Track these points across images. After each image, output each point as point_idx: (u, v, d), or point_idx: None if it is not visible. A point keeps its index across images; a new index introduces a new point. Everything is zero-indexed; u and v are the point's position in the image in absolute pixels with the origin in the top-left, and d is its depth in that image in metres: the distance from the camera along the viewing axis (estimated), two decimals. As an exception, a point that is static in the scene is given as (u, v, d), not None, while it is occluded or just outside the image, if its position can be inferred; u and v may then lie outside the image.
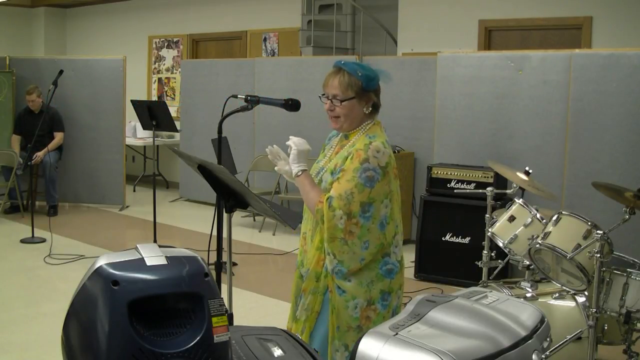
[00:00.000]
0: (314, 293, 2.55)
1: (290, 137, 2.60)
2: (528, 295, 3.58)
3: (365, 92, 2.52)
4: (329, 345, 2.54)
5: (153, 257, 1.45)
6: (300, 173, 2.55)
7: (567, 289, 3.39)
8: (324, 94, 2.57)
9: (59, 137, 7.67)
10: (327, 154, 2.66)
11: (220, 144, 2.69)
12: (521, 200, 3.78)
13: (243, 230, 7.21)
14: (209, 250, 3.76)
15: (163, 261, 1.44)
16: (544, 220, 3.53)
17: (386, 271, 2.54)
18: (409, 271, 5.60)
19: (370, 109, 2.56)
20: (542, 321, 1.83)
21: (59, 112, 7.70)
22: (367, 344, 1.64)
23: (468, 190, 5.28)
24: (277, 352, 1.71)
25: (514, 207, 3.78)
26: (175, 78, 10.04)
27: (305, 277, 2.58)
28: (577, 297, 3.46)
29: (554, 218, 3.37)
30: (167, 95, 10.18)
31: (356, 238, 2.45)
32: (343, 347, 2.52)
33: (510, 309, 1.83)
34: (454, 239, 5.39)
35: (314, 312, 2.57)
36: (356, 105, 2.53)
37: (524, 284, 3.69)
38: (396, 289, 2.59)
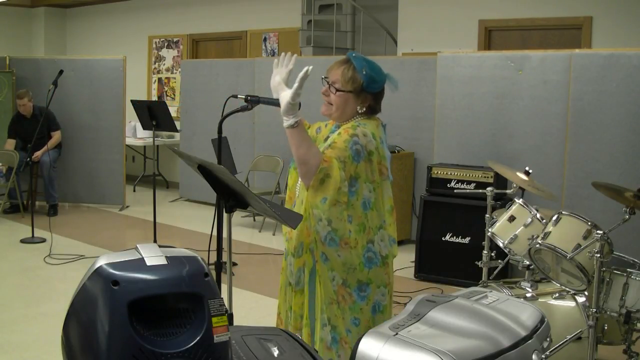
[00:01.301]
0: (309, 265, 2.53)
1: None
2: (528, 295, 3.58)
3: (363, 91, 2.51)
4: (317, 321, 2.50)
5: (153, 257, 1.45)
6: (296, 125, 2.38)
7: (567, 289, 3.39)
8: (326, 77, 2.57)
9: (56, 135, 7.66)
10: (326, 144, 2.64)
11: (220, 144, 2.69)
12: (521, 200, 3.78)
13: (243, 230, 7.22)
14: (209, 250, 3.77)
15: (163, 261, 1.44)
16: (544, 220, 3.53)
17: (367, 259, 2.49)
18: (409, 271, 5.61)
19: (365, 109, 2.55)
20: (542, 321, 1.84)
21: (51, 111, 7.67)
22: (367, 344, 1.64)
23: (468, 190, 5.28)
24: (277, 352, 1.71)
25: (514, 207, 3.77)
26: (175, 78, 10.04)
27: (301, 252, 2.53)
28: (577, 297, 3.46)
29: (554, 218, 3.37)
30: (167, 95, 10.18)
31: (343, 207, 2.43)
32: (327, 320, 2.49)
33: (510, 309, 1.83)
34: (454, 239, 5.39)
35: None
36: (351, 100, 2.52)
37: (524, 284, 3.69)
38: (377, 283, 2.53)
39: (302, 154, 2.38)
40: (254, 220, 7.71)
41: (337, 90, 2.51)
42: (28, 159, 7.03)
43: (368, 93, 2.53)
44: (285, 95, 2.40)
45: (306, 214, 2.46)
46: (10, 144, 7.66)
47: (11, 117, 7.83)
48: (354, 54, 2.56)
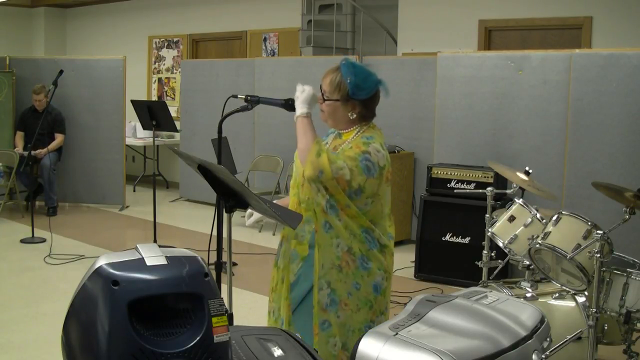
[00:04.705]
0: (295, 238, 2.59)
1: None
2: (528, 295, 3.57)
3: (350, 99, 2.55)
4: (315, 286, 2.55)
5: (153, 257, 1.45)
6: (305, 114, 2.55)
7: (567, 289, 3.39)
8: (321, 85, 2.64)
9: (59, 139, 7.67)
10: None
11: (220, 144, 2.69)
12: (521, 200, 3.78)
13: (243, 230, 7.21)
14: (209, 250, 3.76)
15: (163, 261, 1.44)
16: (544, 220, 3.53)
17: (365, 237, 2.55)
18: (409, 271, 5.61)
19: (356, 115, 2.58)
20: (542, 321, 1.84)
21: (62, 113, 7.71)
22: (367, 344, 1.64)
23: (468, 190, 5.28)
24: (277, 352, 1.71)
25: (514, 207, 3.77)
26: (175, 78, 10.04)
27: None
28: (577, 297, 3.46)
29: (554, 218, 3.37)
30: (167, 95, 10.18)
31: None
32: (326, 284, 2.54)
33: (510, 309, 1.83)
34: (454, 239, 5.39)
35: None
36: (339, 108, 2.58)
37: (524, 284, 3.69)
38: (377, 265, 2.57)
39: (301, 141, 2.53)
40: (254, 220, 7.70)
41: (326, 99, 2.58)
42: (29, 161, 7.02)
43: (355, 100, 2.56)
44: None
45: (297, 191, 2.58)
46: (20, 136, 7.71)
47: (22, 111, 7.84)
48: (344, 62, 2.59)
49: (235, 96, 2.75)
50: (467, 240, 5.32)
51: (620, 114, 5.08)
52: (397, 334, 1.64)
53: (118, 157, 8.06)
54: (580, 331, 3.23)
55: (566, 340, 3.16)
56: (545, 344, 1.81)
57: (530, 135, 5.54)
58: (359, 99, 2.55)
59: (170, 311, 1.43)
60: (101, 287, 1.38)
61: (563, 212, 3.36)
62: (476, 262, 4.19)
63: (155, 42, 10.29)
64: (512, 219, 3.74)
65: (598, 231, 3.08)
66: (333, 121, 2.61)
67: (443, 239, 5.42)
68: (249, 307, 4.74)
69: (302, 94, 2.57)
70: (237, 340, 1.73)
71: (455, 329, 1.69)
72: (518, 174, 4.01)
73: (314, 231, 2.55)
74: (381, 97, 2.66)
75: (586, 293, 3.34)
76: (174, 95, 10.03)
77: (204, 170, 2.36)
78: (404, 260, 5.75)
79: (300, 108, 2.56)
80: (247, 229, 7.29)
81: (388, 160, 2.56)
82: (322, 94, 2.59)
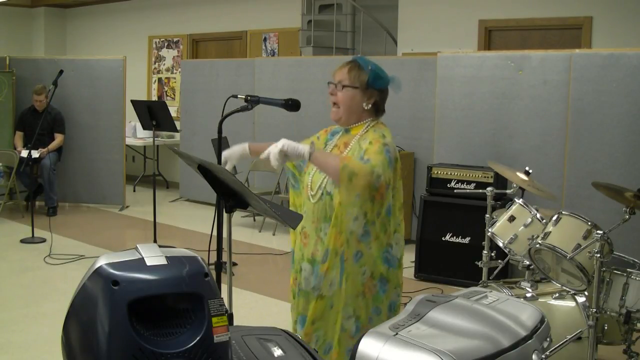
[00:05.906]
0: (337, 267, 2.55)
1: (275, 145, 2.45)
2: (528, 295, 3.58)
3: (369, 88, 2.57)
4: (339, 313, 2.54)
5: (153, 257, 1.45)
6: (312, 150, 2.43)
7: (567, 289, 3.39)
8: (331, 81, 2.63)
9: (59, 139, 7.68)
10: (327, 149, 2.68)
11: (220, 144, 2.68)
12: (521, 200, 3.78)
13: (243, 230, 7.21)
14: (209, 250, 3.76)
15: (163, 261, 1.45)
16: (544, 220, 3.53)
17: (385, 259, 2.58)
18: (409, 271, 5.60)
19: (370, 106, 2.59)
20: (542, 321, 1.83)
21: (61, 113, 7.72)
22: (367, 344, 1.64)
23: (468, 190, 5.28)
24: (277, 352, 1.71)
25: (514, 207, 3.77)
26: (175, 78, 10.04)
27: (326, 258, 2.55)
28: (577, 297, 3.46)
29: (554, 218, 3.37)
30: (167, 95, 10.18)
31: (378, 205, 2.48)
32: (352, 311, 2.54)
33: (510, 309, 1.83)
34: (454, 239, 5.39)
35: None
36: (357, 96, 2.57)
37: (524, 284, 3.69)
38: (394, 283, 2.63)
39: (326, 170, 2.46)
40: (254, 220, 7.71)
41: (344, 87, 2.57)
42: (29, 160, 7.02)
43: (374, 89, 2.57)
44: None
45: (336, 220, 2.49)
46: (19, 136, 7.72)
47: (21, 111, 7.84)
48: (358, 56, 2.65)
49: (235, 96, 2.75)
50: (467, 240, 5.32)
51: (620, 114, 5.08)
52: (397, 334, 1.64)
53: (118, 157, 8.07)
54: (580, 331, 3.23)
55: (566, 340, 3.16)
56: (545, 344, 1.81)
57: (530, 135, 5.54)
58: (378, 88, 2.57)
59: (170, 311, 1.43)
60: (101, 287, 1.38)
61: (563, 212, 3.36)
62: (476, 262, 4.19)
63: (155, 42, 10.29)
64: (512, 219, 3.74)
65: (598, 231, 3.08)
66: (348, 112, 2.58)
67: (443, 239, 5.42)
68: (249, 307, 4.74)
69: (289, 145, 2.41)
70: (237, 340, 1.73)
71: (455, 329, 1.69)
72: (518, 174, 4.01)
73: (343, 260, 2.52)
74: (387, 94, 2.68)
75: (586, 293, 3.34)
76: (174, 95, 10.03)
77: (204, 170, 2.36)
78: (404, 260, 5.74)
79: (303, 149, 2.42)
80: (247, 229, 7.29)
81: (398, 158, 2.60)
82: (336, 85, 2.58)
